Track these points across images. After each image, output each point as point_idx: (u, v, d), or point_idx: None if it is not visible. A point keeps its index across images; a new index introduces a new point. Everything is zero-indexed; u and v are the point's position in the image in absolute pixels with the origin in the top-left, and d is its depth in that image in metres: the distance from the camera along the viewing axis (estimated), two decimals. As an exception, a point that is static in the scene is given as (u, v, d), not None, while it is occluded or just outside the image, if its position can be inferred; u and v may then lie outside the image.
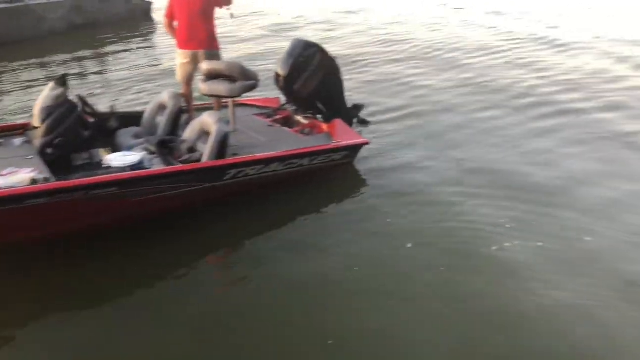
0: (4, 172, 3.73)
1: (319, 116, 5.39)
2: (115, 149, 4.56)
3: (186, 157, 4.26)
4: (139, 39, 10.87)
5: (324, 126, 5.08)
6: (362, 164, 5.07)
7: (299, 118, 5.30)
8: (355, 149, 4.83)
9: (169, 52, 9.70)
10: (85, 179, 3.55)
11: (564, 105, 6.65)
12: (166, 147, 4.42)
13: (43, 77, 8.44)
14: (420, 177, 4.80)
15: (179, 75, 5.13)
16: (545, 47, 9.75)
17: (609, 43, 9.88)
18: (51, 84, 4.43)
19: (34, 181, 3.61)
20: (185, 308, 3.24)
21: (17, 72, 8.74)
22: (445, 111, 6.54)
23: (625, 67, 8.38)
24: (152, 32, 12.02)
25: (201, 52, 4.96)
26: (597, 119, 6.23)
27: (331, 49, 5.63)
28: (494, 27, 11.60)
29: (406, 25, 11.99)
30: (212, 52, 5.03)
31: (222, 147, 4.13)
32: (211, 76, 4.79)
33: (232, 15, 5.21)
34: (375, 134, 5.72)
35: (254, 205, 4.39)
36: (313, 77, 5.11)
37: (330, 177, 4.78)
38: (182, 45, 4.97)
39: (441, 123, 6.12)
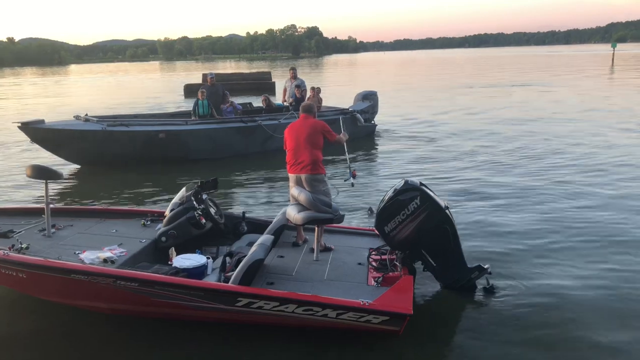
0: (105, 247, 4.84)
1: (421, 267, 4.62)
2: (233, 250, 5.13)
3: (230, 273, 4.45)
4: (362, 158, 10.83)
5: (400, 281, 4.32)
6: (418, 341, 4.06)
7: (398, 264, 4.66)
8: (393, 316, 3.91)
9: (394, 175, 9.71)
10: (115, 270, 4.24)
11: None
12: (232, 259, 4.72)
13: (253, 188, 8.91)
14: None
15: (290, 196, 5.34)
16: None
17: None
18: (187, 186, 5.44)
19: (105, 261, 4.55)
20: None
21: (243, 183, 9.25)
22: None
23: None
24: (373, 153, 11.67)
25: (304, 176, 5.08)
26: None
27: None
28: None
29: None
30: (315, 176, 5.07)
31: (248, 271, 4.16)
32: (295, 201, 4.83)
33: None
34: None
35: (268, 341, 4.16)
36: (408, 222, 4.46)
37: (368, 341, 4.03)
38: (288, 169, 5.20)
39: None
